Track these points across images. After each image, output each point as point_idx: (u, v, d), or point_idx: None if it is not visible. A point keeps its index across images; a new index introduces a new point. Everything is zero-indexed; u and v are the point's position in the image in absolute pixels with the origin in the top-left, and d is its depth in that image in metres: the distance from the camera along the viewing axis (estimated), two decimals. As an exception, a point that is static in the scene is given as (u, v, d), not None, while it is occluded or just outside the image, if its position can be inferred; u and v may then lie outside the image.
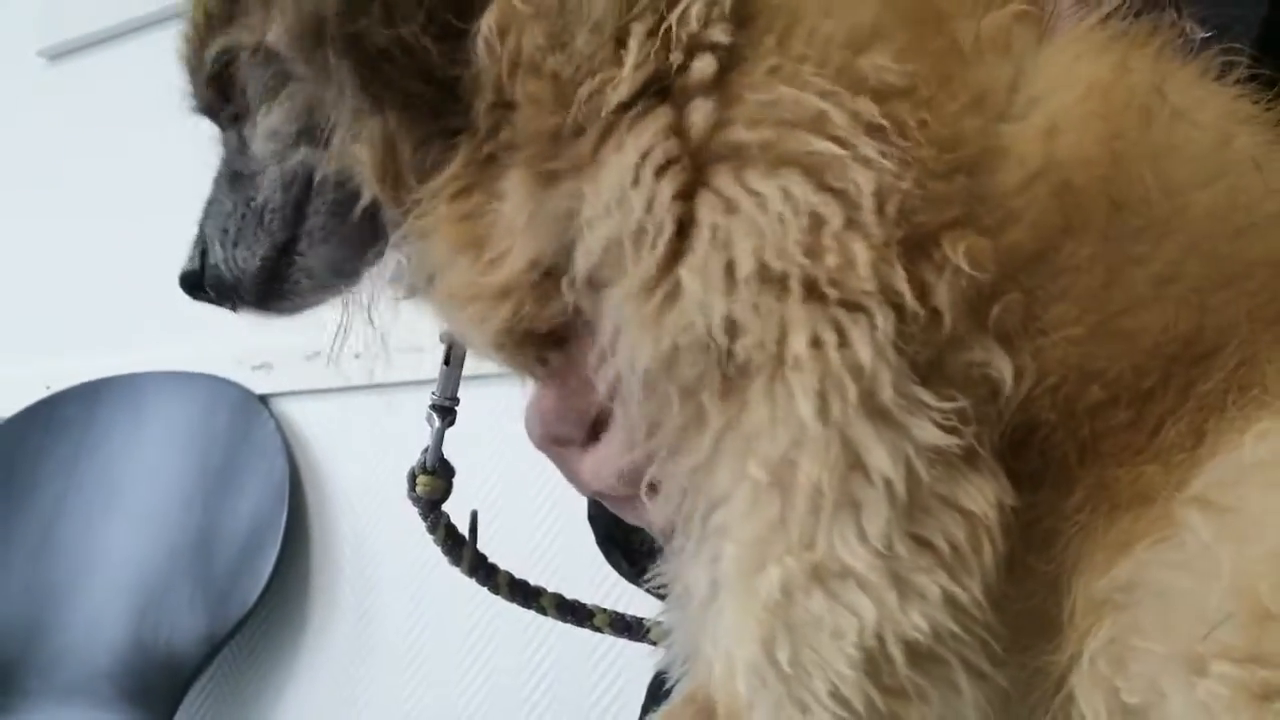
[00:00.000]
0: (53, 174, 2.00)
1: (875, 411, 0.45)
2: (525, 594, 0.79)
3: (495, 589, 0.78)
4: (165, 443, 1.70)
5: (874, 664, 0.44)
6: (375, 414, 1.61)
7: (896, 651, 0.44)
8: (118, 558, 1.66)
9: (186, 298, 0.71)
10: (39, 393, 1.82)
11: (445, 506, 0.76)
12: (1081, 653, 0.47)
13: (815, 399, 0.45)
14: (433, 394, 0.73)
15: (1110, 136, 0.50)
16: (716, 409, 0.47)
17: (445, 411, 0.73)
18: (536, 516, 1.44)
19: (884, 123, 0.46)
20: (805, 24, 0.48)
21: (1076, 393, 0.49)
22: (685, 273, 0.46)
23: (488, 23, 0.51)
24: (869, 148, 0.46)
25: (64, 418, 1.77)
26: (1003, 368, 0.47)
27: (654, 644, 0.78)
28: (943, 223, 0.46)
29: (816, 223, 0.45)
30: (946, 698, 0.45)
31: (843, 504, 0.45)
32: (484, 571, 0.77)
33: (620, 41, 0.48)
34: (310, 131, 0.58)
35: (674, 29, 0.48)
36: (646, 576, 0.75)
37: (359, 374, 1.62)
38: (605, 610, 0.81)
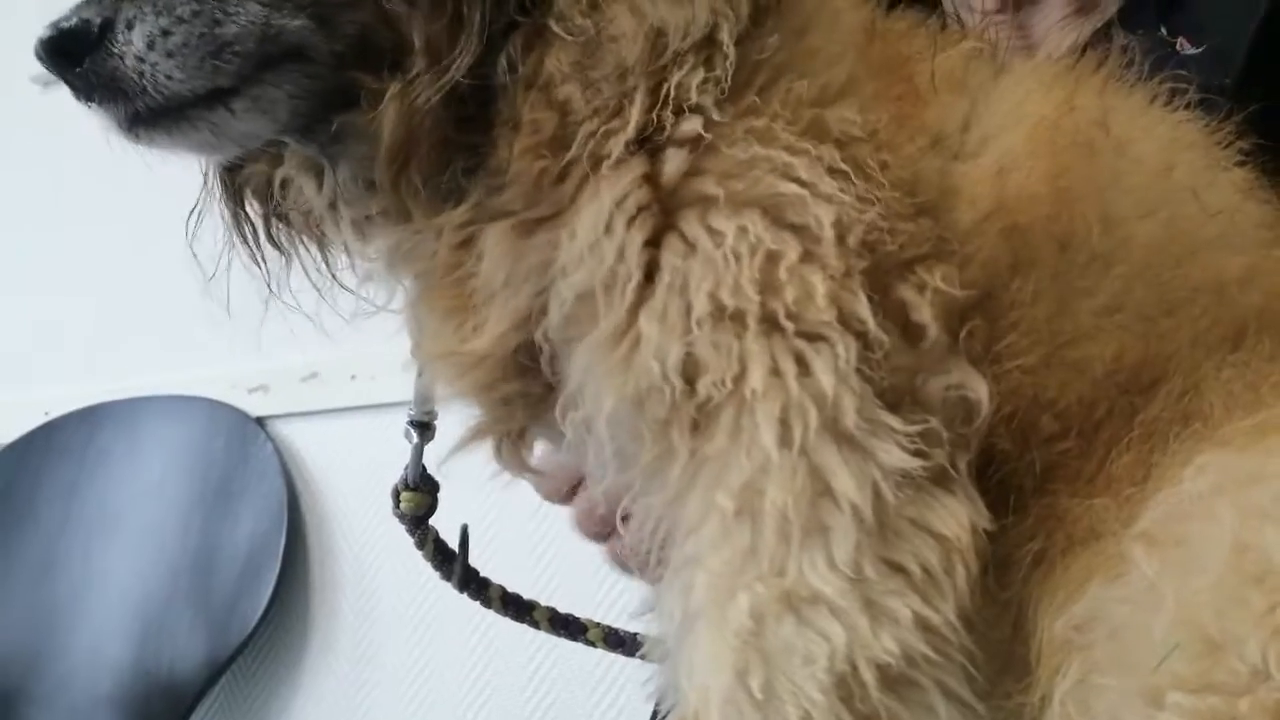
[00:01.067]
0: (50, 200, 2.00)
1: (839, 437, 0.46)
2: (518, 608, 0.79)
3: (487, 603, 0.79)
4: (163, 467, 1.70)
5: (846, 689, 0.45)
6: (373, 435, 1.62)
7: (869, 676, 0.44)
8: (118, 583, 1.66)
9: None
10: (38, 419, 1.82)
11: (438, 521, 0.76)
12: (1050, 694, 0.47)
13: (777, 426, 0.45)
14: (409, 410, 0.72)
15: (1055, 174, 0.52)
16: (684, 443, 0.48)
17: (423, 427, 0.73)
18: (530, 526, 1.43)
19: (845, 166, 0.48)
20: (783, 83, 0.49)
21: (1030, 422, 0.50)
22: (644, 319, 0.47)
23: (520, 35, 0.51)
24: (829, 186, 0.47)
25: (62, 443, 1.78)
26: (978, 389, 0.48)
27: (646, 659, 0.78)
28: (915, 256, 0.48)
29: (772, 258, 0.46)
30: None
31: (811, 530, 0.45)
32: (475, 586, 0.77)
33: (627, 94, 0.49)
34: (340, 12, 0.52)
35: (673, 91, 0.49)
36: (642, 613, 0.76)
37: (356, 395, 1.63)
38: (599, 625, 0.81)
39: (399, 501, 0.75)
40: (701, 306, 0.46)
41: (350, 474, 1.62)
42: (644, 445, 0.49)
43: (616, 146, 0.49)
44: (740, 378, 0.46)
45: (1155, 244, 0.51)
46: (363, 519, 1.60)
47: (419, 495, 0.75)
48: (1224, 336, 0.50)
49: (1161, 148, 0.53)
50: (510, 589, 0.81)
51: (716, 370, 0.46)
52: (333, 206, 0.60)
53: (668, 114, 0.49)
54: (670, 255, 0.47)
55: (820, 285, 0.46)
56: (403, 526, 0.75)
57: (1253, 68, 0.64)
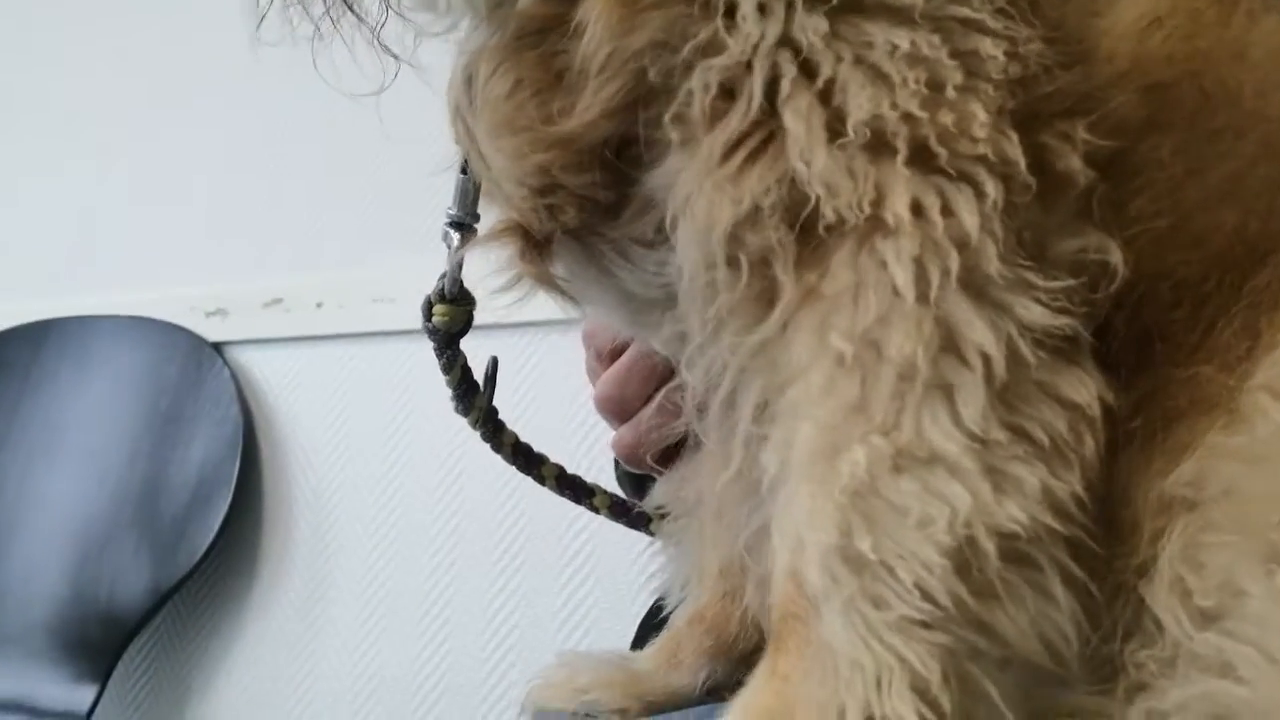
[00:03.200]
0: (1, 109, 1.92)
1: (977, 286, 0.42)
2: (528, 459, 0.75)
3: (498, 448, 0.75)
4: (113, 389, 1.63)
5: (964, 557, 0.41)
6: (339, 366, 1.57)
7: (990, 545, 0.41)
8: (58, 505, 1.59)
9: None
10: (-20, 334, 1.74)
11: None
12: (1152, 559, 0.44)
13: (912, 268, 0.42)
14: (449, 210, 0.65)
15: (1189, 35, 0.49)
16: (791, 278, 0.44)
17: (464, 229, 0.65)
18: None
19: (1006, 4, 0.44)
20: None
21: (1148, 292, 0.47)
22: (789, 116, 0.43)
23: None
24: (995, 19, 0.44)
25: (6, 359, 1.70)
26: (1113, 253, 0.44)
27: (652, 535, 0.75)
28: (1061, 105, 0.45)
29: (938, 81, 0.43)
30: (1040, 604, 0.42)
31: (935, 384, 0.42)
32: (491, 426, 0.73)
33: None
34: None
35: None
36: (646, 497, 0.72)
37: (322, 323, 1.57)
38: (605, 491, 0.78)
39: (430, 314, 0.69)
40: (858, 115, 0.42)
41: (312, 406, 1.57)
42: (739, 276, 0.45)
43: None
44: (877, 206, 0.42)
45: None
46: (323, 453, 1.55)
47: (455, 308, 0.68)
48: None
49: None
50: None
51: (849, 192, 0.42)
52: None
53: None
54: (833, 55, 0.44)
55: (979, 117, 0.42)
56: (431, 344, 0.70)
57: None
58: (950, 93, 0.43)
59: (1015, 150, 0.43)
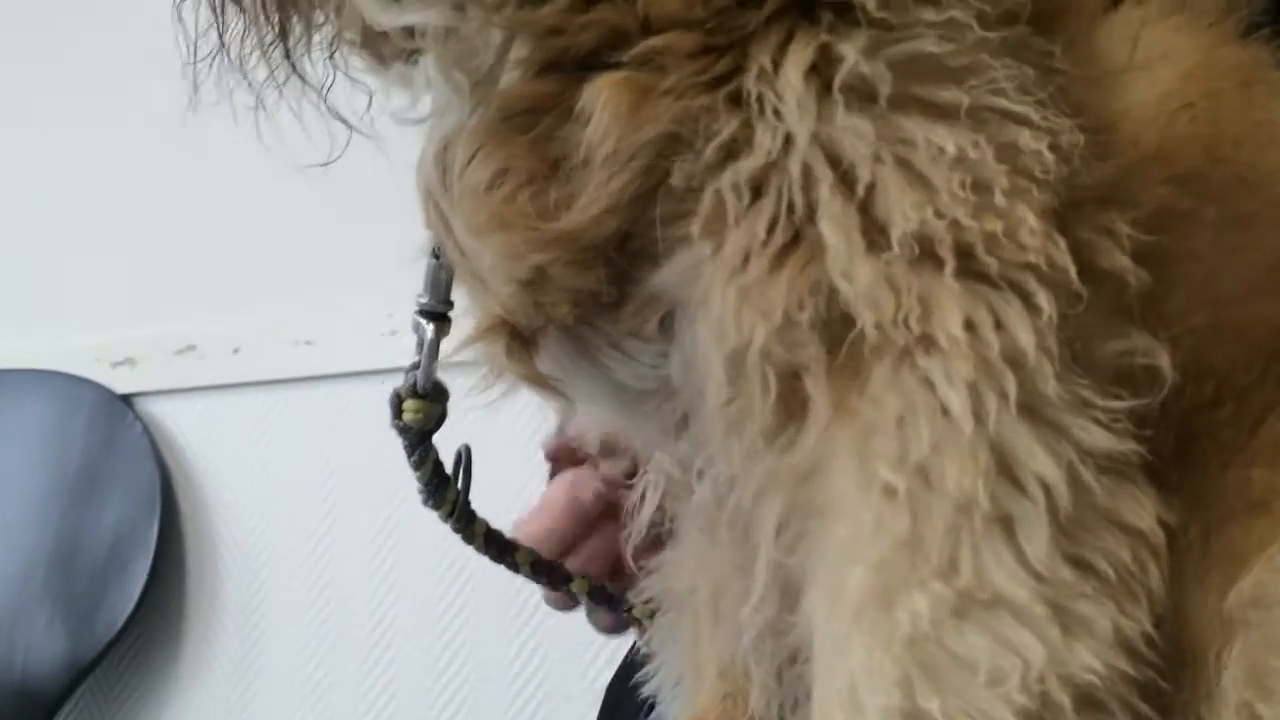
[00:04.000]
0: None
1: (1034, 409, 0.39)
2: (500, 548, 0.70)
3: (469, 539, 0.70)
4: (15, 448, 1.53)
5: (1038, 715, 0.37)
6: (259, 415, 1.49)
7: (1064, 698, 0.38)
8: (-39, 577, 1.49)
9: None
10: None
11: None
12: (1216, 682, 0.42)
13: (967, 392, 0.38)
14: (419, 297, 0.61)
15: (1217, 116, 0.47)
16: (825, 396, 0.40)
17: (439, 318, 0.61)
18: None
19: (1042, 91, 0.41)
20: None
21: (1193, 392, 0.45)
22: (826, 226, 0.39)
23: None
24: (1035, 110, 0.41)
25: (-106, 420, 1.58)
26: (1159, 356, 0.41)
27: (635, 621, 0.72)
28: (1100, 196, 0.42)
29: (985, 183, 0.39)
30: None
31: (995, 518, 0.38)
32: (464, 519, 0.67)
33: None
34: None
35: None
36: (634, 592, 0.69)
37: (239, 371, 1.50)
38: (585, 576, 0.73)
39: (400, 411, 0.63)
40: (903, 225, 0.39)
41: (234, 459, 1.49)
42: (767, 393, 0.41)
43: None
44: (925, 322, 0.39)
45: None
46: (248, 509, 1.47)
47: (427, 404, 0.62)
48: None
49: None
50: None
51: (895, 309, 0.39)
52: None
53: None
54: (871, 156, 0.39)
55: (1028, 222, 0.39)
56: (401, 441, 0.64)
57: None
58: (998, 198, 0.39)
59: (1064, 257, 0.40)
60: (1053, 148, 0.41)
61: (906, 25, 0.41)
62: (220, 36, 0.52)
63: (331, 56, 0.53)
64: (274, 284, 1.50)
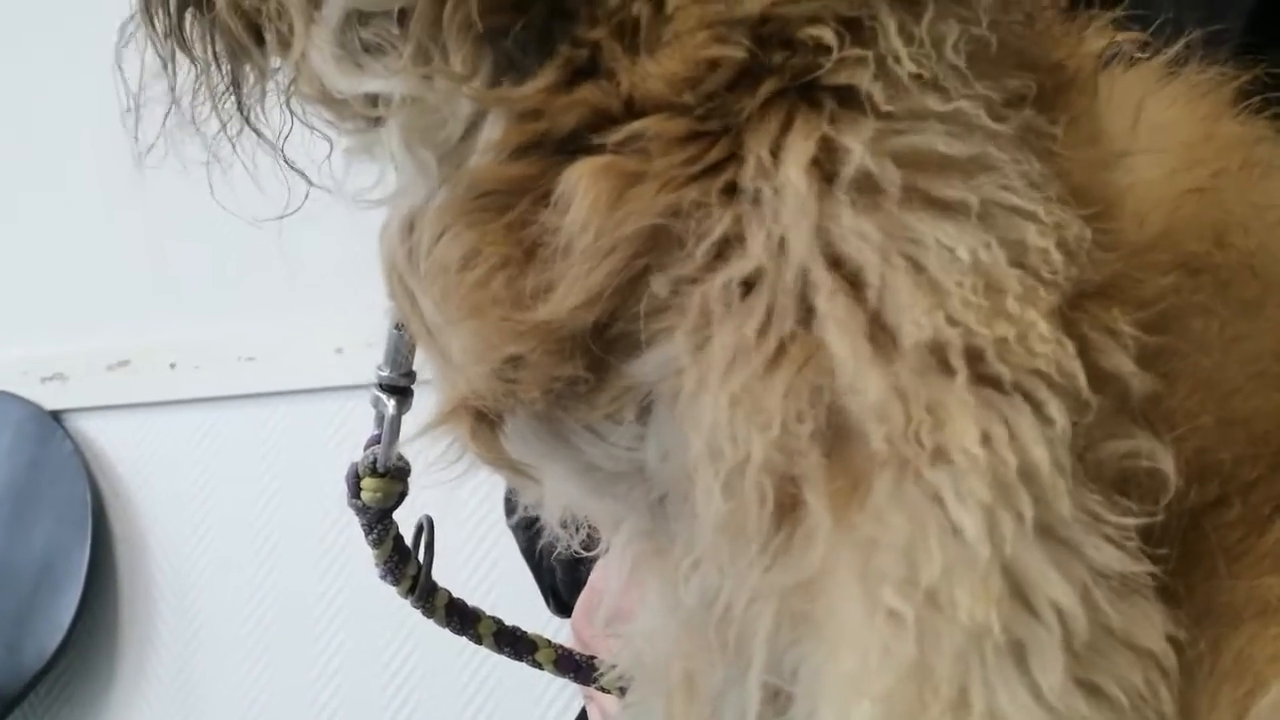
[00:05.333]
0: None
1: (1049, 530, 0.37)
2: (462, 620, 0.67)
3: (429, 612, 0.66)
4: (-63, 469, 1.47)
5: None
6: (196, 433, 1.44)
7: None
8: (-120, 605, 1.43)
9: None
10: None
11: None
12: None
13: (981, 514, 0.36)
14: (379, 370, 0.58)
15: (1220, 199, 0.45)
16: (825, 508, 0.38)
17: (400, 393, 0.58)
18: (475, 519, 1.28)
19: (1045, 182, 0.39)
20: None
21: (1198, 492, 0.43)
22: (833, 334, 0.36)
23: None
24: (1039, 203, 0.38)
25: None
26: (1163, 460, 0.39)
27: (605, 690, 0.68)
28: (1099, 290, 0.40)
29: (996, 286, 0.37)
30: None
31: (1007, 647, 0.36)
32: (425, 594, 0.64)
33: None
34: None
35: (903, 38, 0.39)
36: (602, 670, 0.66)
37: (175, 387, 1.45)
38: (551, 644, 0.70)
39: (359, 490, 0.60)
40: (915, 334, 0.36)
41: (170, 479, 1.44)
42: (764, 504, 0.38)
43: (861, 78, 0.37)
44: (937, 435, 0.36)
45: None
46: (185, 532, 1.42)
47: (387, 482, 0.60)
48: None
49: None
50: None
51: (905, 422, 0.36)
52: None
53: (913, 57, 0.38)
54: (879, 258, 0.37)
55: (1039, 327, 0.37)
56: (359, 520, 0.61)
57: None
58: (1010, 303, 0.37)
59: (1074, 363, 0.38)
60: (1060, 245, 0.39)
61: (913, 115, 0.38)
62: (170, 87, 0.48)
63: (288, 104, 0.50)
64: (213, 296, 1.45)
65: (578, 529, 0.57)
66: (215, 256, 1.45)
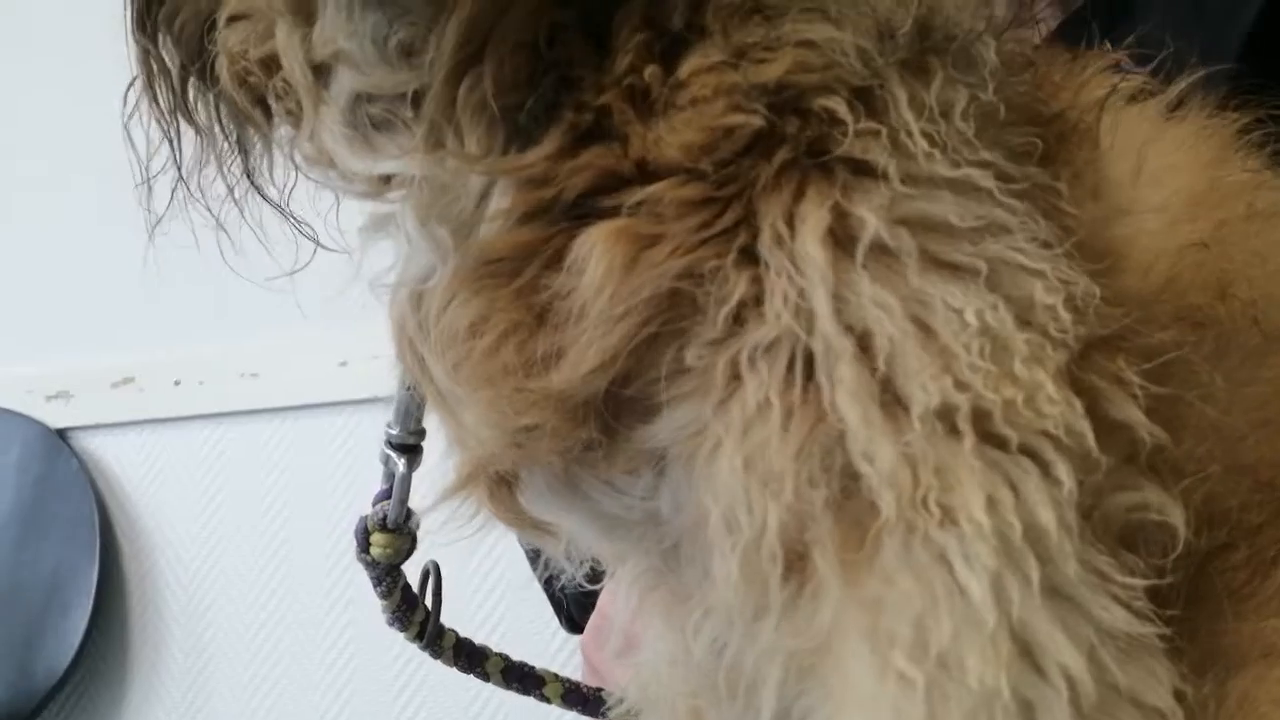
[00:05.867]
0: None
1: (1057, 591, 0.37)
2: (470, 657, 0.68)
3: (438, 654, 0.67)
4: (-56, 489, 1.47)
5: None
6: (202, 449, 1.44)
7: None
8: (-111, 626, 1.43)
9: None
10: None
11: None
12: None
13: (988, 579, 0.36)
14: (388, 427, 0.58)
15: (1225, 250, 0.45)
16: (835, 571, 0.38)
17: (409, 450, 0.59)
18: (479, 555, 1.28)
19: (1050, 235, 0.39)
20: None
21: (1206, 538, 0.43)
22: (844, 402, 0.37)
23: None
24: (1045, 260, 0.39)
25: None
26: (1173, 513, 0.39)
27: None
28: (1106, 340, 0.40)
29: (1005, 349, 0.37)
30: None
31: (1015, 710, 0.36)
32: (433, 638, 0.65)
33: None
34: None
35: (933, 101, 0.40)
36: (610, 703, 0.67)
37: (180, 403, 1.45)
38: (559, 678, 0.71)
39: (368, 545, 0.60)
40: (926, 401, 0.37)
41: (177, 496, 1.44)
42: (774, 567, 0.39)
43: (873, 150, 0.38)
44: (944, 497, 0.37)
45: None
46: (193, 548, 1.42)
47: (396, 538, 0.60)
48: None
49: None
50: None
51: (914, 487, 0.37)
52: (320, 72, 0.43)
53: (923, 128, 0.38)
54: (889, 322, 0.37)
55: (1046, 388, 0.37)
56: (368, 573, 0.61)
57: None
58: (1018, 365, 0.37)
59: (1083, 422, 0.38)
60: (1068, 301, 0.39)
61: (923, 182, 0.38)
62: (174, 152, 0.48)
63: (295, 164, 0.50)
64: (217, 312, 1.45)
65: (582, 562, 0.57)
66: (216, 271, 1.45)
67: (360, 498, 1.33)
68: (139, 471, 1.47)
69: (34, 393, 1.50)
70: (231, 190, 0.49)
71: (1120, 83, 0.46)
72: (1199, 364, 0.43)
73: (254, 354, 1.41)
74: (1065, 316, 0.38)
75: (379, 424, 0.66)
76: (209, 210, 0.49)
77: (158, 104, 0.47)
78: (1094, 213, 0.42)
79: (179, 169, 0.48)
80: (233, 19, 0.46)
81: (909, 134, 0.38)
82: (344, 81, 0.43)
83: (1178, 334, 0.43)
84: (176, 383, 1.46)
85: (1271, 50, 0.69)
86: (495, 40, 0.40)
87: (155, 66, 0.49)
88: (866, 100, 0.39)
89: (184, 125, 0.48)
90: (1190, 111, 0.49)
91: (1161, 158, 0.46)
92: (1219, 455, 0.43)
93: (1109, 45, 0.86)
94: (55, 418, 1.49)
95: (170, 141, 0.47)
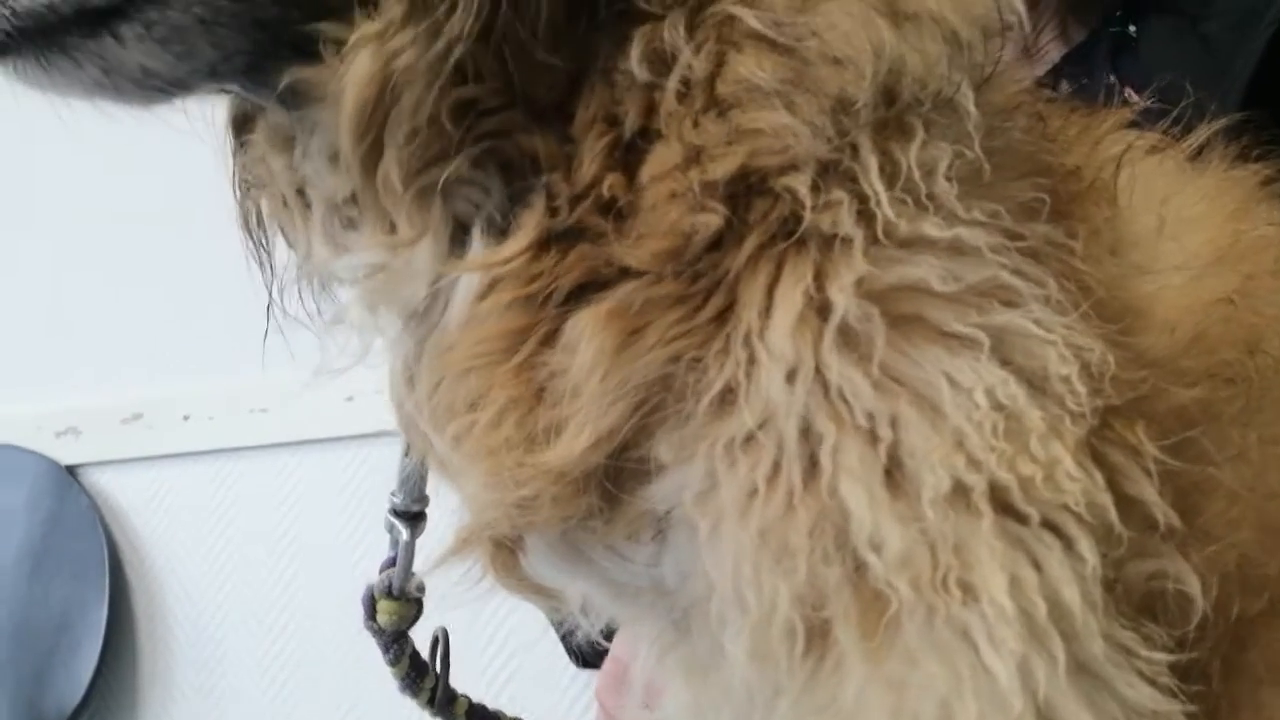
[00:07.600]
0: None
1: (1082, 668, 0.37)
2: None
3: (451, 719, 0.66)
4: (-46, 526, 1.47)
5: None
6: (210, 485, 1.44)
7: None
8: (-100, 665, 1.42)
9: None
10: None
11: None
12: None
13: (1015, 662, 0.35)
14: (392, 496, 0.58)
15: (1256, 308, 0.45)
16: (857, 647, 0.38)
17: (413, 518, 0.59)
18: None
19: (1066, 299, 0.39)
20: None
21: (1242, 603, 0.42)
22: (845, 485, 0.36)
23: (678, 18, 0.39)
24: (1061, 327, 0.38)
25: None
26: (1190, 583, 0.39)
27: None
28: (1123, 407, 0.39)
29: (1020, 425, 0.37)
30: None
31: None
32: (444, 704, 0.64)
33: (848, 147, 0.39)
34: None
35: (912, 167, 0.39)
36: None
37: (189, 439, 1.45)
38: None
39: (374, 612, 0.60)
40: (936, 485, 0.36)
41: (186, 531, 1.44)
42: (793, 643, 0.38)
43: (841, 222, 0.38)
44: (966, 579, 0.36)
45: None
46: (202, 584, 1.42)
47: (402, 605, 0.60)
48: None
49: None
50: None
51: (931, 569, 0.36)
52: (300, 193, 0.46)
53: (897, 194, 0.38)
54: (887, 405, 0.37)
55: (1064, 463, 0.37)
56: (375, 640, 0.61)
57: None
58: (1034, 442, 0.37)
59: (1105, 496, 0.38)
60: (1083, 371, 0.38)
61: (906, 246, 0.38)
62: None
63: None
64: (225, 348, 1.45)
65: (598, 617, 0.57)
66: (225, 307, 1.45)
67: (368, 532, 1.33)
68: (148, 507, 1.47)
69: (43, 429, 1.50)
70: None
71: (1137, 140, 0.46)
72: (1228, 423, 0.43)
73: (262, 389, 1.41)
74: (1081, 388, 0.38)
75: (386, 458, 0.66)
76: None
77: (251, 240, 0.50)
78: (1113, 270, 0.42)
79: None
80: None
81: (878, 203, 0.38)
82: (312, 194, 0.45)
83: (1207, 391, 0.42)
84: (185, 418, 1.45)
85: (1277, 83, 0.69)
86: (390, 128, 0.40)
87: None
88: (833, 173, 0.39)
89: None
90: (1211, 162, 0.49)
91: (1183, 211, 0.46)
92: (1251, 518, 0.43)
93: (1115, 79, 0.86)
94: (65, 454, 1.49)
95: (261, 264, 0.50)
